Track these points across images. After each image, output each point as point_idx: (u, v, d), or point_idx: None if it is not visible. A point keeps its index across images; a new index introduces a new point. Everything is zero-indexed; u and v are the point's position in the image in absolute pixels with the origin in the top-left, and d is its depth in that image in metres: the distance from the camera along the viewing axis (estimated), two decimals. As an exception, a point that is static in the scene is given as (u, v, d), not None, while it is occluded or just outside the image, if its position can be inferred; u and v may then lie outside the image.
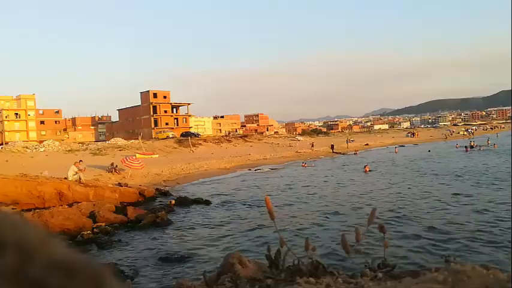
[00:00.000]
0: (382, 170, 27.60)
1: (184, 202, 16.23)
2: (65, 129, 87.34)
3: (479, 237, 9.83)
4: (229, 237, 11.21)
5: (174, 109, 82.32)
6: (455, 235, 10.13)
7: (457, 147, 44.31)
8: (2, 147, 40.09)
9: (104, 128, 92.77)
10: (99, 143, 51.78)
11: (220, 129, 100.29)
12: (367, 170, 26.60)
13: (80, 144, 45.91)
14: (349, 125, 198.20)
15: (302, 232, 10.99)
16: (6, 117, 77.90)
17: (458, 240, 9.69)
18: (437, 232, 10.46)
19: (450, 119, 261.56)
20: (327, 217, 13.10)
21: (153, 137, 65.93)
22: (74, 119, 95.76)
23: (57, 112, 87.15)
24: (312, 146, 50.36)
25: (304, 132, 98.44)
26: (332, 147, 49.44)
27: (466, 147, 41.93)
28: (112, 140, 52.32)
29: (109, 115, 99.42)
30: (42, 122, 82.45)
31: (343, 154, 45.96)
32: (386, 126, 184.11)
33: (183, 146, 48.46)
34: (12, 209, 12.55)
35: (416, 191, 17.69)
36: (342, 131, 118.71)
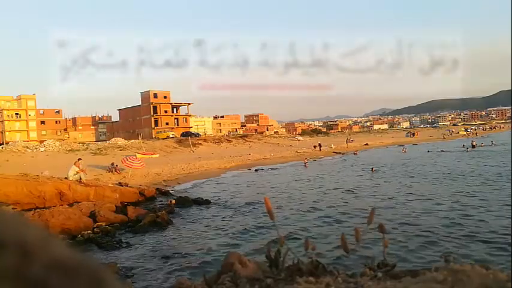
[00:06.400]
0: (386, 170, 27.54)
1: (184, 202, 16.22)
2: (65, 129, 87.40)
3: (479, 237, 9.83)
4: (229, 236, 11.21)
5: (175, 109, 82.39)
6: (455, 235, 10.14)
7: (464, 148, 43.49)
8: (2, 147, 40.11)
9: (105, 127, 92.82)
10: (99, 142, 51.80)
11: (220, 129, 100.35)
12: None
13: (81, 144, 45.93)
14: (349, 125, 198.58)
15: (302, 232, 11.00)
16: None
17: (458, 240, 9.70)
18: (437, 232, 10.46)
19: (450, 119, 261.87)
20: (326, 217, 13.10)
21: (154, 136, 65.97)
22: (74, 119, 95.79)
23: (58, 112, 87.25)
24: (315, 147, 49.84)
25: (304, 132, 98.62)
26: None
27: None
28: (112, 139, 52.34)
29: (109, 115, 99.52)
30: (42, 122, 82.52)
31: (342, 154, 45.96)
32: (386, 126, 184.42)
33: (183, 146, 48.50)
34: (13, 208, 12.55)
35: (416, 191, 17.68)
36: (342, 131, 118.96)
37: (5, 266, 0.41)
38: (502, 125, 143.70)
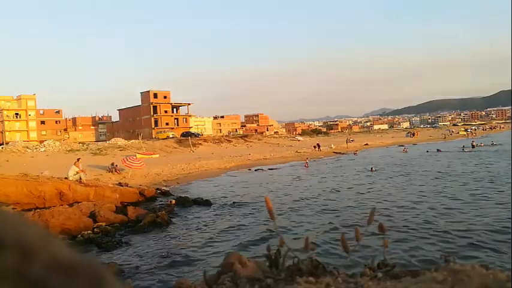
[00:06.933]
0: (386, 170, 27.53)
1: (184, 202, 16.23)
2: (65, 129, 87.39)
3: (480, 237, 9.83)
4: (229, 236, 11.21)
5: (175, 109, 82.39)
6: (455, 235, 10.13)
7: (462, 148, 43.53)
8: (2, 147, 40.10)
9: (105, 128, 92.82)
10: (99, 143, 51.79)
11: (220, 129, 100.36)
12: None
13: (81, 144, 45.92)
14: (349, 125, 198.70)
15: (302, 232, 11.00)
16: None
17: (458, 240, 9.70)
18: (437, 232, 10.46)
19: (450, 119, 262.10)
20: (326, 217, 13.10)
21: (154, 137, 65.97)
22: (74, 119, 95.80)
23: (58, 112, 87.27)
24: (315, 147, 49.87)
25: (304, 132, 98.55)
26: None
27: (438, 150, 42.90)
28: (112, 140, 52.33)
29: (109, 115, 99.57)
30: (42, 122, 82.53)
31: (342, 154, 45.97)
32: (386, 126, 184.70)
33: (183, 146, 48.50)
34: (13, 208, 12.55)
35: (414, 191, 17.68)
36: (342, 131, 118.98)
37: (5, 266, 0.41)
38: (502, 125, 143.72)
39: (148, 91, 78.09)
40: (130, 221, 13.14)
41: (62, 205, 13.70)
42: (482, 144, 46.32)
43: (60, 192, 15.11)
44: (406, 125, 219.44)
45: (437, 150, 42.77)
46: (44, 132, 79.52)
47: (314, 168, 31.23)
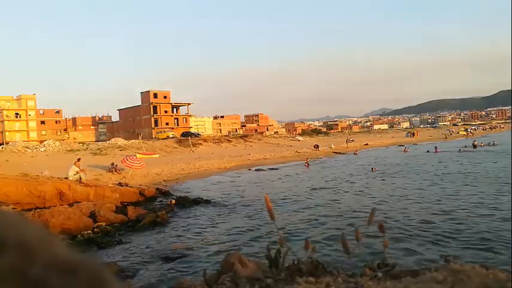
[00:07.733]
0: (387, 170, 27.55)
1: (184, 202, 16.23)
2: (65, 129, 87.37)
3: (479, 237, 9.82)
4: (229, 236, 11.21)
5: (175, 109, 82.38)
6: (455, 235, 10.13)
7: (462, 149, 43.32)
8: (2, 147, 40.09)
9: (105, 127, 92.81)
10: (99, 142, 51.79)
11: (220, 129, 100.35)
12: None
13: (81, 144, 45.93)
14: (349, 125, 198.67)
15: (302, 232, 11.00)
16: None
17: (458, 240, 9.70)
18: (437, 231, 10.46)
19: (450, 119, 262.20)
20: (327, 217, 13.09)
21: (154, 137, 65.97)
22: (74, 119, 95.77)
23: (58, 112, 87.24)
24: (315, 147, 49.93)
25: (304, 132, 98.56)
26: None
27: (436, 147, 42.82)
28: (112, 139, 52.34)
29: (109, 115, 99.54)
30: (42, 122, 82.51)
31: (342, 154, 45.99)
32: (386, 126, 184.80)
33: (183, 146, 48.51)
34: (13, 208, 12.55)
35: (414, 191, 17.68)
36: (342, 131, 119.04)
37: (5, 265, 0.41)
38: (502, 125, 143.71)
39: (148, 91, 78.09)
40: (130, 221, 13.13)
41: (62, 205, 13.69)
42: (482, 144, 46.41)
43: (60, 192, 15.11)
44: (406, 125, 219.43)
45: (435, 147, 42.72)
46: (44, 132, 79.49)
47: (314, 168, 31.24)
